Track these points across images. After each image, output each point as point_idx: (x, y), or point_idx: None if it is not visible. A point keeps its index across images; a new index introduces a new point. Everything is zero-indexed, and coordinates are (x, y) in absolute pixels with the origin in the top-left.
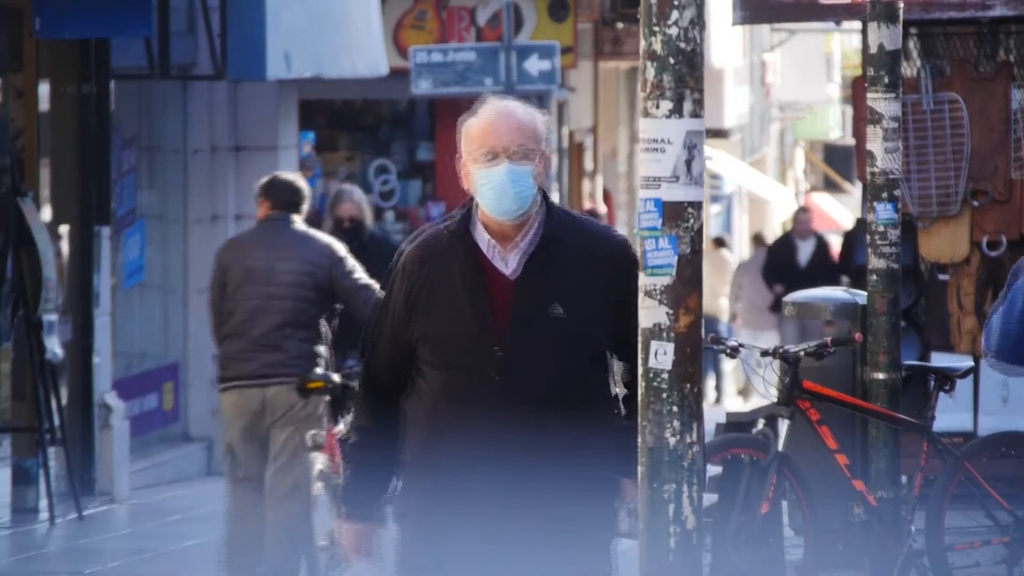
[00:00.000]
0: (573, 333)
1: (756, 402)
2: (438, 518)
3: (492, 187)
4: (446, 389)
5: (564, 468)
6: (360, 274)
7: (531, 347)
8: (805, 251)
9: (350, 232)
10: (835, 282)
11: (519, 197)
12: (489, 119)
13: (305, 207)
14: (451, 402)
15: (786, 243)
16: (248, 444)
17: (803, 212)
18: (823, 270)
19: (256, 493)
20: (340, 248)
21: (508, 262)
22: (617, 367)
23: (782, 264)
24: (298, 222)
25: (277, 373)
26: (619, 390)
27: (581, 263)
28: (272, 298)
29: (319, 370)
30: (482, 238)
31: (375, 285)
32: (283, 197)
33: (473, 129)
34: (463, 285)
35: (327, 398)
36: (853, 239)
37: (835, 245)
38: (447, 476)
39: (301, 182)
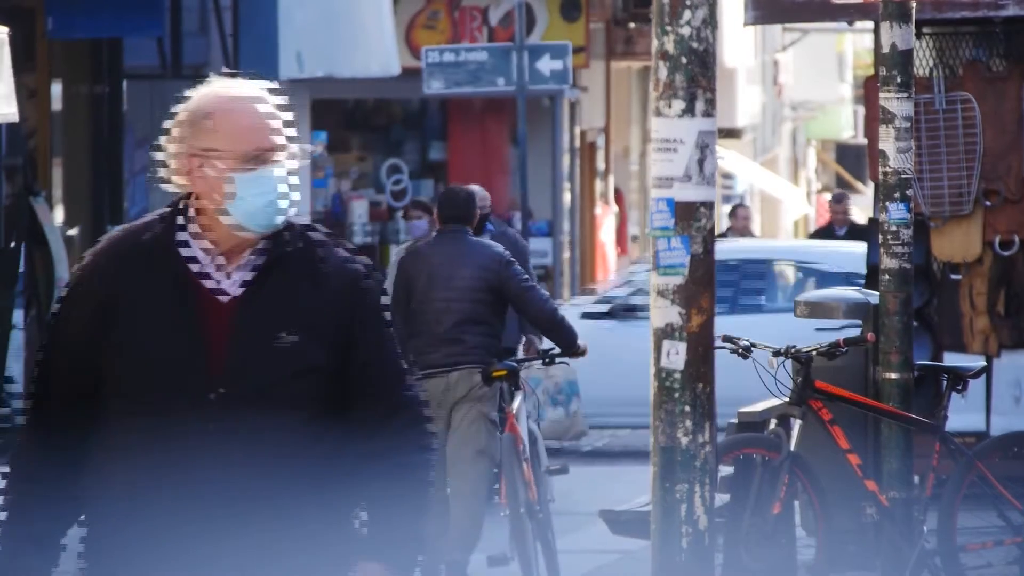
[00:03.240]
0: (304, 365)
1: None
2: None
3: (264, 195)
4: (147, 440)
5: (294, 544)
6: (527, 277)
7: (255, 385)
8: None
9: None
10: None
11: (290, 206)
12: (244, 111)
13: (476, 215)
14: (153, 457)
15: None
16: (435, 426)
17: (739, 208)
18: None
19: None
20: (508, 254)
21: (230, 280)
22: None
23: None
24: (470, 232)
25: (458, 361)
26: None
27: (315, 285)
28: (452, 300)
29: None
30: (197, 251)
31: (539, 285)
32: (461, 212)
33: (224, 123)
34: (171, 307)
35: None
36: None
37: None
38: (146, 554)
39: (469, 193)
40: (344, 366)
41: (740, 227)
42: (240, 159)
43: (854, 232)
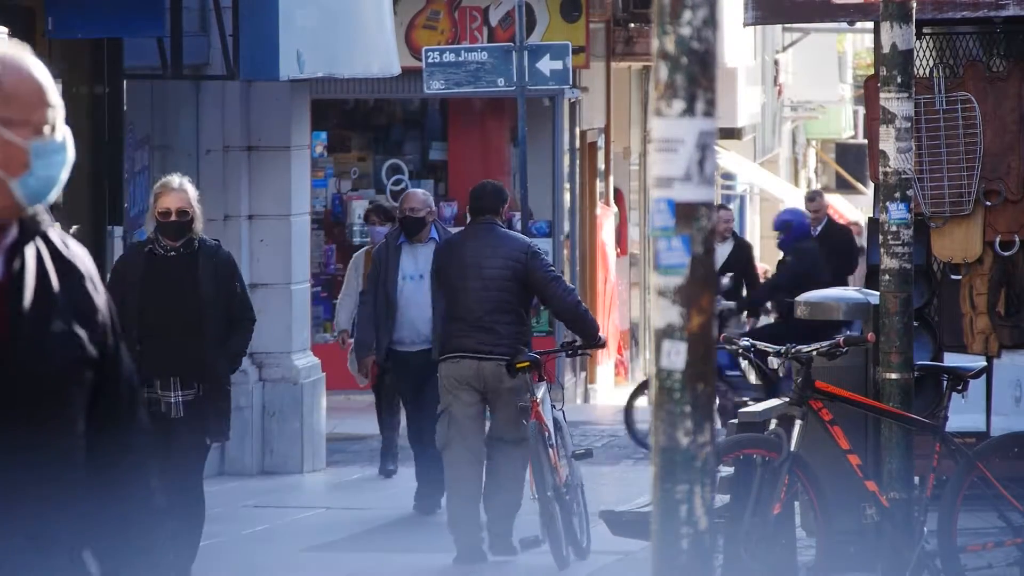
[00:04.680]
0: (71, 357)
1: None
2: None
3: (54, 166)
4: None
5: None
6: (552, 268)
7: (37, 375)
8: (721, 254)
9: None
10: (750, 287)
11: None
12: (35, 75)
13: (503, 207)
14: None
15: None
16: (464, 405)
17: (721, 209)
18: (739, 273)
19: (468, 451)
20: (536, 245)
21: None
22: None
23: None
24: (500, 224)
25: (490, 351)
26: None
27: (71, 269)
28: (481, 289)
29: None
30: None
31: (564, 277)
32: (487, 203)
33: (20, 88)
34: None
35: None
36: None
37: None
38: None
39: (496, 187)
40: (101, 363)
41: (721, 229)
42: (35, 127)
43: (830, 231)
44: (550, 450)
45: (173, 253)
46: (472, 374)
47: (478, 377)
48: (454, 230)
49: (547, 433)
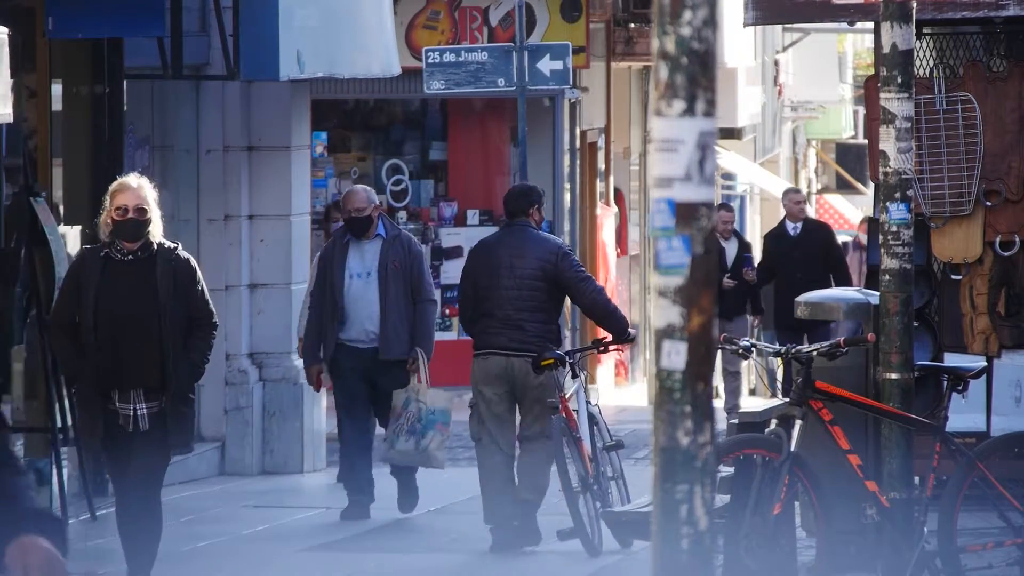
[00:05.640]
0: None
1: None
2: None
3: None
4: None
5: None
6: (582, 269)
7: None
8: (728, 253)
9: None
10: (748, 285)
11: None
12: None
13: (529, 208)
14: None
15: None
16: (492, 402)
17: (721, 209)
18: (740, 271)
19: (497, 446)
20: (566, 247)
21: None
22: None
23: None
24: (533, 225)
25: (519, 348)
26: None
27: None
28: (512, 288)
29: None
30: None
31: (594, 278)
32: (514, 206)
33: None
34: None
35: (557, 370)
36: (773, 244)
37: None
38: None
39: (523, 189)
40: None
41: (721, 229)
42: None
43: (808, 228)
44: (579, 444)
45: (130, 257)
46: (500, 371)
47: (506, 373)
48: (445, 230)
49: (575, 427)
